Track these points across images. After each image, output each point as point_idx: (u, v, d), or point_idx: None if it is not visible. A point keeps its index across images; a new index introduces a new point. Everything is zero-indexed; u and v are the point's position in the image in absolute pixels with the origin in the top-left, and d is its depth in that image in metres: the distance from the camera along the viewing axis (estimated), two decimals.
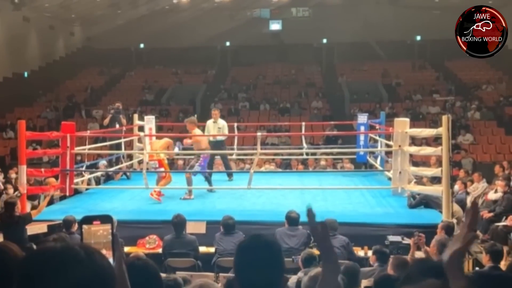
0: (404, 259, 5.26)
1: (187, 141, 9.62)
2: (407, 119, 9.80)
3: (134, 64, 28.33)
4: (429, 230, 6.63)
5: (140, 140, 11.19)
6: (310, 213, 1.82)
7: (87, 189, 10.12)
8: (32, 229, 7.30)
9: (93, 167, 11.48)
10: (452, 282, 1.55)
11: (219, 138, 10.52)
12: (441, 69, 25.47)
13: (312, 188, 9.79)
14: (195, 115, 21.72)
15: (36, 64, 25.53)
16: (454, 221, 7.58)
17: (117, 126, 11.80)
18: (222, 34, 26.67)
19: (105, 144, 11.72)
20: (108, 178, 11.34)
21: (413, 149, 9.40)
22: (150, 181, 9.06)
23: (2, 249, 1.66)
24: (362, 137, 12.09)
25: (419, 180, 9.43)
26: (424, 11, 25.01)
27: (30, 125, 17.60)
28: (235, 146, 12.32)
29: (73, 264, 1.15)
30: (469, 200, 10.58)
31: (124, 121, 12.09)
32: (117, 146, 11.53)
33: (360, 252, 6.86)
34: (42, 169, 9.89)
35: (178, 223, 6.80)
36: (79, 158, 11.65)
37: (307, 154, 12.89)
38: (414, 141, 13.42)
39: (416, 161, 12.31)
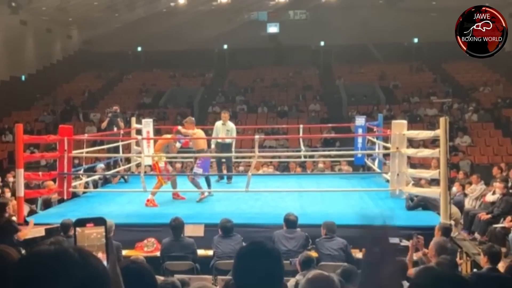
0: (402, 261, 5.26)
1: (186, 142, 9.58)
2: (405, 121, 9.81)
3: (132, 67, 28.32)
4: (427, 232, 6.62)
5: (138, 143, 11.17)
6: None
7: (84, 192, 10.10)
8: (30, 233, 7.27)
9: (90, 170, 11.46)
10: None
11: (227, 140, 10.45)
12: (439, 71, 25.53)
13: (310, 190, 9.79)
14: (193, 119, 21.80)
15: (33, 67, 25.52)
16: (452, 222, 7.59)
17: (115, 129, 11.78)
18: (219, 37, 26.69)
19: (103, 148, 11.70)
20: (106, 181, 11.32)
21: (411, 151, 9.41)
22: (149, 185, 9.02)
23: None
24: (360, 140, 12.09)
25: (417, 182, 9.43)
26: (421, 14, 25.07)
27: (28, 129, 17.57)
28: (233, 149, 12.30)
29: (67, 266, 1.15)
30: (467, 202, 10.60)
31: (121, 124, 12.07)
32: (115, 150, 11.52)
33: (358, 254, 6.85)
34: (40, 173, 9.87)
35: (176, 226, 6.79)
36: (76, 161, 11.62)
37: (305, 156, 12.89)
38: (412, 143, 13.43)
39: (414, 163, 12.32)
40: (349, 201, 9.05)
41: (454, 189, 10.25)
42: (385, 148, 10.31)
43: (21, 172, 8.15)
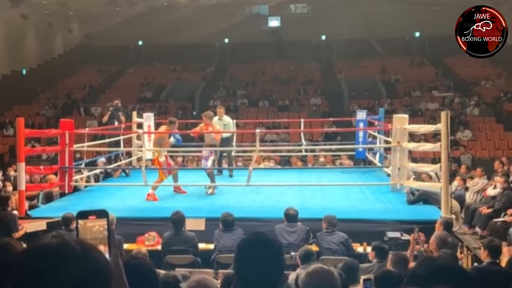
0: (403, 255, 5.27)
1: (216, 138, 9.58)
2: (406, 116, 9.80)
3: (133, 61, 28.29)
4: (428, 226, 6.65)
5: (139, 138, 11.18)
6: None
7: (86, 186, 10.12)
8: (31, 227, 7.30)
9: (92, 164, 11.48)
10: None
11: (225, 135, 10.44)
12: (440, 65, 25.47)
13: (311, 184, 9.80)
14: (194, 113, 21.82)
15: (34, 61, 25.49)
16: (453, 216, 7.60)
17: (116, 123, 11.79)
18: (220, 31, 26.63)
19: (104, 142, 11.71)
20: (107, 175, 11.33)
21: (412, 145, 9.41)
22: (150, 179, 9.06)
23: (4, 245, 1.66)
24: (361, 134, 12.09)
25: (418, 176, 9.43)
26: (423, 8, 25.00)
27: (29, 123, 17.58)
28: (234, 143, 12.31)
29: (69, 259, 1.15)
30: (468, 196, 10.60)
31: (123, 118, 12.08)
32: (116, 144, 11.52)
33: (359, 248, 6.88)
34: (41, 167, 9.88)
35: (177, 220, 6.81)
36: (78, 155, 11.64)
37: (306, 151, 12.89)
38: (413, 137, 13.42)
39: (415, 157, 12.31)
40: (350, 195, 9.06)
41: (455, 183, 10.25)
42: (386, 142, 10.31)
43: (22, 166, 8.16)
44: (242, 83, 24.60)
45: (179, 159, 13.34)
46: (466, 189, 10.83)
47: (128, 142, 13.04)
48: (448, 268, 1.73)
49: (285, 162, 14.00)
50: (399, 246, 6.54)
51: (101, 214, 1.49)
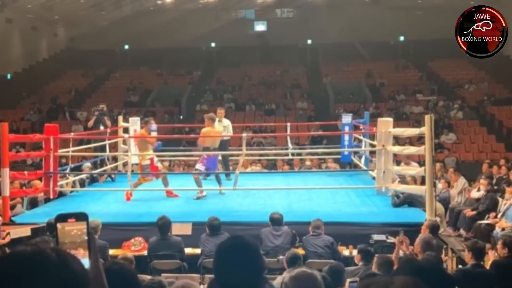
0: (388, 258, 5.31)
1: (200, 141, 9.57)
2: (391, 119, 9.88)
3: (119, 65, 28.16)
4: (413, 229, 6.70)
5: (124, 142, 11.13)
6: None
7: (71, 191, 10.05)
8: (15, 233, 7.23)
9: (77, 169, 11.40)
10: None
11: (224, 137, 10.40)
12: (424, 69, 25.72)
13: (297, 188, 9.82)
14: (181, 117, 21.77)
15: (19, 65, 25.29)
16: (438, 219, 7.67)
17: (102, 128, 11.72)
18: (207, 35, 26.64)
19: (90, 146, 11.65)
20: (93, 180, 11.27)
21: (397, 149, 9.48)
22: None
23: None
24: (346, 137, 12.15)
25: (403, 180, 9.51)
26: (407, 12, 25.24)
27: (13, 128, 17.41)
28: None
29: (44, 267, 1.13)
30: (452, 198, 10.71)
31: (108, 123, 12.01)
32: (102, 148, 11.46)
33: (345, 251, 6.91)
34: (26, 172, 9.80)
35: (163, 225, 6.79)
36: (63, 160, 11.56)
37: (292, 154, 12.93)
38: (398, 140, 13.53)
39: (400, 160, 12.38)
40: (336, 198, 9.11)
41: (440, 185, 10.35)
42: (371, 145, 10.38)
43: (6, 171, 8.09)
44: (229, 87, 24.62)
45: (166, 163, 13.30)
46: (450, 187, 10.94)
47: (114, 147, 12.97)
48: (428, 269, 1.76)
49: (271, 166, 14.03)
50: (385, 249, 6.58)
51: (81, 217, 1.48)
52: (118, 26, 25.94)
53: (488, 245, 7.63)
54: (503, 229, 8.61)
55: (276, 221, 6.89)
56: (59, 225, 1.45)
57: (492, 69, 23.25)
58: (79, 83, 25.67)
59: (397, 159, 10.71)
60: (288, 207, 8.28)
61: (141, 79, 25.72)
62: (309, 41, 27.87)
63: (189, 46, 26.62)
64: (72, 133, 12.76)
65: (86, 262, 1.40)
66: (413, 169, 9.27)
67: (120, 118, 12.99)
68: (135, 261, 5.46)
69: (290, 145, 12.59)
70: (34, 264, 1.13)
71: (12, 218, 8.06)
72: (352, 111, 17.44)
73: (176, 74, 26.81)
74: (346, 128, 12.24)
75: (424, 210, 7.80)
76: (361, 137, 11.80)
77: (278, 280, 4.91)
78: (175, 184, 9.58)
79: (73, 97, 24.09)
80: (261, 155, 14.16)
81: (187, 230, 7.41)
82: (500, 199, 9.75)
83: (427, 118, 7.98)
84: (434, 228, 6.43)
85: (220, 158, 10.95)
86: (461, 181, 10.94)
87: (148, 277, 4.59)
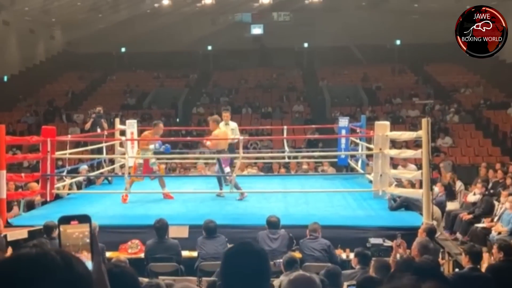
0: (385, 261, 5.33)
1: (205, 144, 9.56)
2: (387, 123, 9.90)
3: (116, 68, 28.16)
4: (410, 232, 6.71)
5: (121, 145, 11.13)
6: None
7: (68, 194, 10.03)
8: (12, 235, 7.21)
9: (74, 171, 11.38)
10: None
11: (230, 141, 10.39)
12: (420, 73, 25.80)
13: (294, 191, 9.83)
14: (177, 120, 21.77)
15: (16, 68, 25.24)
16: (434, 223, 7.69)
17: (99, 130, 11.72)
18: (204, 38, 26.67)
19: (87, 149, 11.63)
20: (90, 182, 11.25)
21: (394, 152, 9.50)
22: (132, 186, 9.11)
23: None
24: (343, 141, 12.17)
25: (400, 183, 9.53)
26: (403, 16, 25.32)
27: (10, 130, 17.37)
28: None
29: (49, 270, 1.12)
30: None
31: (105, 125, 12.01)
32: (99, 151, 11.45)
33: (342, 255, 6.92)
34: (22, 174, 9.77)
35: (161, 227, 6.79)
36: (60, 163, 11.54)
37: (289, 157, 12.94)
38: (395, 144, 13.55)
39: (397, 164, 12.42)
40: (333, 202, 9.12)
41: (436, 189, 10.38)
42: (368, 149, 10.40)
43: (3, 173, 8.07)
44: (225, 90, 24.63)
45: (162, 166, 13.27)
46: (446, 196, 10.96)
47: (111, 149, 12.95)
48: (425, 269, 1.77)
49: (268, 169, 14.05)
50: (382, 252, 6.60)
51: (83, 219, 1.48)
52: (115, 29, 25.94)
53: (484, 249, 7.66)
54: (499, 233, 8.65)
55: (273, 224, 6.89)
56: (61, 228, 1.45)
57: (488, 73, 23.33)
58: (76, 85, 25.65)
59: (394, 163, 10.75)
60: (284, 210, 8.28)
61: (138, 82, 25.72)
62: (306, 45, 27.92)
63: (186, 49, 26.65)
64: (69, 136, 12.73)
65: (89, 265, 1.40)
66: (410, 173, 9.30)
67: (117, 120, 12.99)
68: (132, 264, 5.46)
69: (286, 148, 12.61)
70: (39, 266, 1.13)
71: (9, 220, 8.04)
72: (349, 115, 17.48)
73: (172, 77, 26.81)
74: (343, 132, 12.26)
75: (421, 214, 7.81)
76: (358, 141, 11.83)
77: (275, 283, 4.92)
78: (172, 187, 9.57)
79: (70, 100, 24.07)
80: (257, 158, 14.16)
81: (184, 233, 7.41)
82: (496, 203, 9.79)
83: (423, 121, 8.01)
84: (430, 232, 6.44)
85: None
86: (458, 184, 10.98)
87: (146, 280, 4.59)
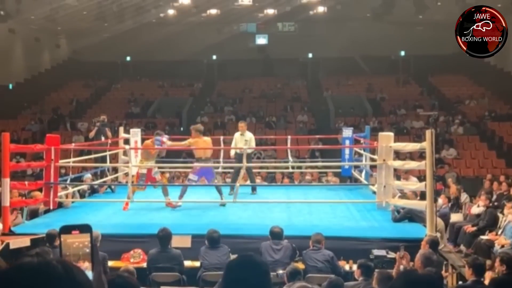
0: (388, 273, 5.29)
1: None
2: (392, 133, 9.88)
3: (120, 77, 28.27)
4: (413, 244, 6.67)
5: (125, 153, 11.15)
6: None
7: (73, 202, 10.03)
8: (14, 243, 7.21)
9: (77, 180, 11.40)
10: None
11: (247, 150, 10.38)
12: (425, 84, 25.79)
13: (297, 201, 9.81)
14: (181, 128, 21.79)
15: (21, 76, 25.37)
16: (438, 235, 7.65)
17: (103, 139, 11.75)
18: (208, 47, 26.77)
19: (90, 157, 11.64)
20: (93, 191, 11.26)
21: (397, 164, 9.48)
22: (135, 195, 9.13)
23: None
24: (347, 151, 12.16)
25: (403, 195, 9.49)
26: (408, 27, 25.36)
27: (14, 138, 17.42)
28: (221, 159, 12.32)
29: (50, 279, 1.13)
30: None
31: (109, 134, 12.04)
32: (102, 159, 11.47)
33: (345, 266, 6.88)
34: (26, 182, 9.79)
35: (164, 236, 6.78)
36: (62, 171, 11.56)
37: (292, 167, 12.92)
38: (399, 155, 13.53)
39: (400, 175, 12.40)
40: (336, 213, 9.09)
41: (440, 201, 10.33)
42: (372, 160, 10.38)
43: (7, 181, 8.09)
44: (230, 100, 24.68)
45: (167, 175, 13.29)
46: (452, 207, 10.93)
47: (115, 158, 12.98)
48: (425, 279, 1.76)
49: (271, 179, 14.03)
50: (385, 264, 6.56)
51: (85, 229, 1.48)
52: (121, 39, 26.06)
53: (488, 262, 7.60)
54: (502, 246, 8.59)
55: (276, 235, 6.87)
56: (62, 237, 1.45)
57: (493, 85, 23.31)
58: (80, 94, 25.75)
59: (397, 174, 10.73)
60: (288, 221, 8.26)
61: (143, 90, 25.80)
62: (310, 55, 27.99)
63: (191, 58, 26.75)
64: (73, 144, 12.77)
65: (89, 274, 1.39)
66: (414, 184, 9.26)
67: (121, 129, 13.02)
68: (133, 275, 5.44)
69: (290, 158, 12.60)
70: (40, 275, 1.13)
71: (12, 228, 8.04)
72: (353, 125, 17.46)
73: (177, 86, 26.89)
74: (347, 142, 12.25)
75: (425, 226, 7.78)
76: (362, 151, 11.81)
77: None
78: (175, 196, 9.57)
79: (74, 108, 24.15)
80: (261, 167, 14.15)
81: (187, 242, 7.39)
82: (500, 215, 9.74)
83: (428, 133, 7.99)
84: (434, 244, 6.41)
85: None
86: (463, 196, 10.94)
87: None
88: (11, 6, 20.64)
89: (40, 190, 9.28)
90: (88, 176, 11.44)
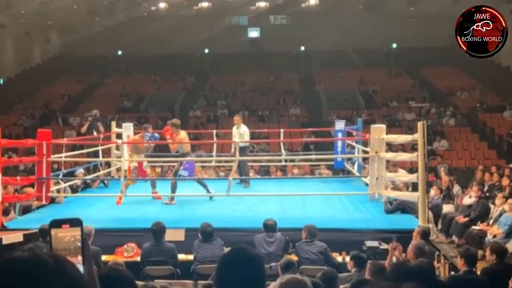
0: (381, 264, 5.33)
1: (174, 147, 9.60)
2: (384, 126, 9.92)
3: (112, 71, 28.15)
4: (406, 235, 6.72)
5: (118, 148, 11.12)
6: None
7: (65, 197, 10.01)
8: (7, 238, 7.18)
9: (70, 175, 11.36)
10: None
11: (241, 144, 10.37)
12: (417, 76, 25.87)
13: (290, 194, 9.83)
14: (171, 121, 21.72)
15: (12, 71, 25.21)
16: (430, 225, 7.70)
17: (95, 133, 11.71)
18: (200, 41, 26.69)
19: (82, 152, 11.61)
20: (86, 186, 11.24)
21: (390, 155, 9.51)
22: (128, 189, 9.13)
23: None
24: (339, 144, 12.19)
25: (396, 186, 9.54)
26: (399, 20, 25.40)
27: (6, 133, 17.32)
28: (214, 153, 12.33)
29: (42, 274, 1.11)
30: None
31: (102, 128, 12.00)
32: (95, 154, 11.44)
33: (338, 258, 6.92)
34: (18, 177, 9.75)
35: (158, 230, 6.78)
36: (55, 166, 11.51)
37: (285, 160, 12.95)
38: (391, 147, 13.58)
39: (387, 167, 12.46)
40: (329, 205, 9.12)
41: (432, 192, 10.39)
42: (365, 152, 10.42)
43: None
44: (222, 93, 24.65)
45: (158, 170, 13.28)
46: (443, 198, 11.00)
47: (107, 152, 12.94)
48: (417, 270, 1.79)
49: (265, 172, 14.05)
50: (378, 255, 6.60)
51: (75, 222, 1.47)
52: (112, 32, 25.94)
53: (480, 252, 7.67)
54: (494, 236, 8.66)
55: (269, 227, 6.89)
56: (53, 231, 1.45)
57: (484, 76, 23.42)
58: (72, 88, 25.62)
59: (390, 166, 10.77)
60: (281, 213, 8.28)
61: (135, 85, 25.71)
62: (302, 48, 27.97)
63: (183, 52, 26.66)
64: (65, 139, 12.71)
65: (80, 268, 1.39)
66: (406, 176, 9.31)
67: (113, 123, 12.98)
68: (128, 267, 5.44)
69: (283, 151, 12.62)
70: (31, 269, 1.12)
71: (4, 224, 8.01)
72: (345, 118, 17.50)
73: (169, 80, 26.81)
74: (339, 135, 12.28)
75: (417, 217, 7.83)
76: (354, 144, 11.84)
77: (270, 287, 4.91)
78: (167, 190, 9.55)
79: (66, 103, 24.03)
80: (254, 161, 14.16)
81: (180, 236, 7.40)
82: (492, 206, 9.81)
83: (419, 125, 8.03)
84: (425, 234, 6.46)
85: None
86: (456, 188, 11.01)
87: (141, 283, 4.59)
88: (1, 0, 20.48)
89: (32, 185, 9.24)
90: (80, 170, 11.41)
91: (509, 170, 12.82)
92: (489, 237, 8.73)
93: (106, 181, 11.33)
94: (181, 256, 6.96)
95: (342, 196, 9.73)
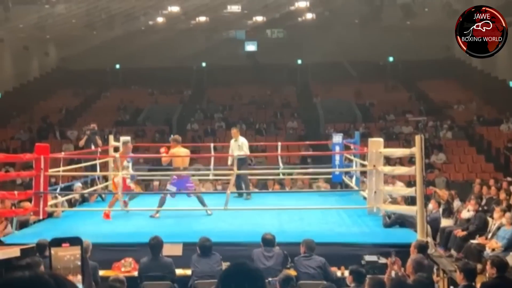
0: (380, 279, 5.31)
1: (165, 160, 9.63)
2: (381, 139, 9.93)
3: (110, 85, 28.19)
4: (404, 250, 6.70)
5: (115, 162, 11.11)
6: None
7: (63, 211, 9.97)
8: (4, 253, 7.13)
9: (67, 189, 11.33)
10: None
11: (240, 156, 10.38)
12: (413, 89, 25.97)
13: (288, 208, 9.80)
14: (171, 136, 21.74)
15: (10, 85, 25.23)
16: (428, 239, 7.68)
17: (93, 147, 11.70)
18: (198, 54, 26.79)
19: (80, 166, 11.59)
20: (84, 200, 11.20)
21: (388, 169, 9.52)
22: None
23: None
24: (337, 157, 12.18)
25: (394, 200, 9.54)
26: (396, 33, 25.54)
27: (3, 147, 17.33)
28: (211, 167, 12.31)
29: None
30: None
31: (99, 142, 12.00)
32: (92, 168, 11.42)
33: (337, 272, 6.89)
34: (15, 192, 9.71)
35: (155, 245, 6.75)
36: (53, 180, 11.48)
37: (283, 174, 12.94)
38: (389, 160, 13.59)
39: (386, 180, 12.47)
40: (328, 219, 9.10)
41: (430, 206, 10.39)
42: (362, 165, 10.42)
43: None
44: (220, 107, 24.70)
45: (156, 183, 13.26)
46: (443, 212, 10.98)
47: (105, 166, 12.92)
48: (416, 287, 1.78)
49: (262, 186, 14.03)
50: (376, 269, 6.58)
51: (75, 241, 1.47)
52: (110, 46, 26.00)
53: (479, 266, 7.65)
54: (493, 250, 8.65)
55: (268, 242, 6.86)
56: (53, 250, 1.45)
57: (481, 89, 23.53)
58: (70, 102, 25.64)
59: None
60: (279, 227, 8.26)
61: (132, 98, 25.75)
62: (299, 61, 28.09)
63: (180, 65, 26.75)
64: (62, 153, 12.69)
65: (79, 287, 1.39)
66: (405, 189, 9.31)
67: (111, 137, 12.97)
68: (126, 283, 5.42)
69: (281, 164, 12.61)
70: None
71: (1, 238, 7.97)
72: (343, 131, 17.52)
73: (167, 93, 26.86)
74: (337, 148, 12.28)
75: (415, 231, 7.81)
76: (352, 157, 11.85)
77: None
78: (167, 204, 9.50)
79: (64, 116, 24.03)
80: (251, 174, 14.14)
81: (178, 251, 7.37)
82: (490, 220, 9.81)
83: (417, 138, 8.04)
84: (422, 248, 6.44)
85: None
86: (456, 203, 11.01)
87: None
88: None
89: (29, 200, 9.21)
90: (78, 185, 11.38)
91: (506, 183, 12.82)
92: (487, 251, 8.71)
93: (103, 195, 11.29)
94: (179, 271, 6.92)
95: (340, 210, 9.71)
